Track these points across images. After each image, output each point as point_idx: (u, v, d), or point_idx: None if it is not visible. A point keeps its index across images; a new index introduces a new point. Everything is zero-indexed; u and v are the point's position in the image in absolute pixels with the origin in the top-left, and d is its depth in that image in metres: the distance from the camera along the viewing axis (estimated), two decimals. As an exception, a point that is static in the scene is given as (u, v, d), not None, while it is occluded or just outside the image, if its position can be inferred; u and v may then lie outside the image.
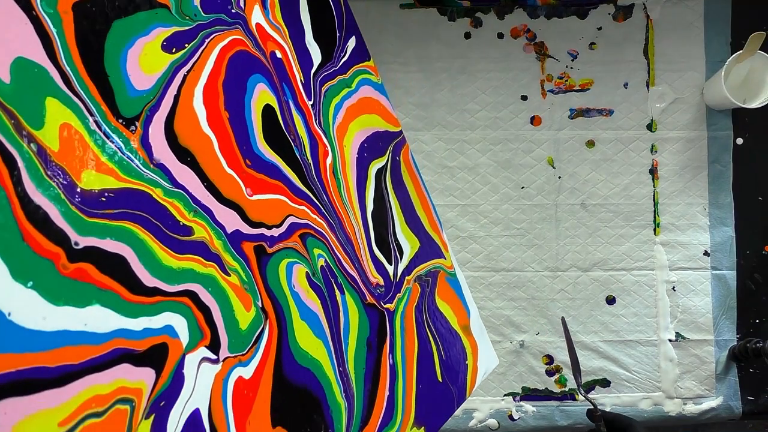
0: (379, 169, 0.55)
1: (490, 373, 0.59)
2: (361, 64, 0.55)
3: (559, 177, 0.82)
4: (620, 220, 0.82)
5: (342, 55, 0.53)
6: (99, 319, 0.30)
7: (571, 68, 0.82)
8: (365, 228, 0.51)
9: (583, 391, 0.61)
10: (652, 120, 0.82)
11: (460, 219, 0.82)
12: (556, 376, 0.82)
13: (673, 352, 0.81)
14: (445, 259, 0.59)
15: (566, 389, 0.81)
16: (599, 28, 0.82)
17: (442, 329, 0.55)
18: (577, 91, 0.82)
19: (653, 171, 0.82)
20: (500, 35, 0.82)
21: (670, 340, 0.81)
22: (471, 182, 0.82)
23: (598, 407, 0.59)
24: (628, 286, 0.82)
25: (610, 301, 0.82)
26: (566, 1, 0.81)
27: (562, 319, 0.69)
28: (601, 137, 0.82)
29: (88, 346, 0.29)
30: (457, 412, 0.81)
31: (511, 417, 0.80)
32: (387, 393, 0.48)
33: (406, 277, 0.54)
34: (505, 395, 0.81)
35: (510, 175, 0.82)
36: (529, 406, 0.80)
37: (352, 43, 0.55)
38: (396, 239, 0.54)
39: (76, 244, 0.29)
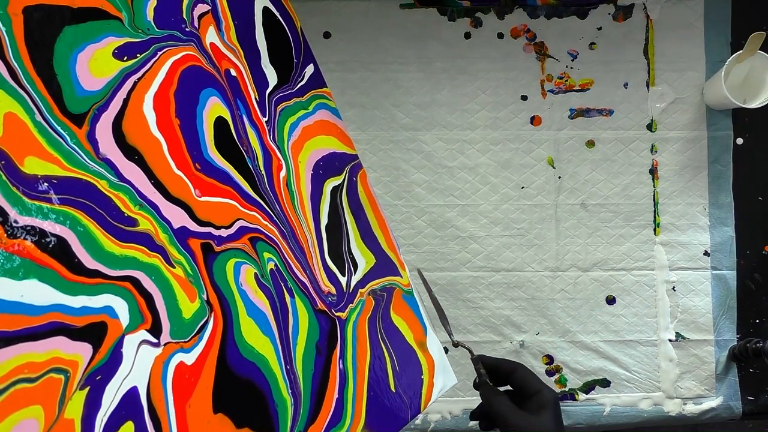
0: (334, 186, 0.55)
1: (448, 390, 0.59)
2: (319, 90, 0.57)
3: (559, 177, 0.82)
4: (620, 220, 0.82)
5: (299, 79, 0.54)
6: (36, 292, 0.31)
7: (571, 68, 0.82)
8: (318, 239, 0.52)
9: (454, 339, 0.57)
10: (652, 120, 0.82)
11: (460, 219, 0.82)
12: (556, 376, 0.82)
13: (673, 352, 0.81)
14: (401, 277, 0.59)
15: (566, 389, 0.81)
16: (599, 28, 0.82)
17: (396, 342, 0.55)
18: (577, 91, 0.82)
19: (653, 171, 0.82)
20: (500, 35, 0.82)
21: (670, 340, 0.81)
22: (471, 182, 0.82)
23: (474, 352, 0.54)
24: (628, 286, 0.82)
25: (610, 301, 0.82)
26: (566, 1, 0.81)
27: (418, 270, 0.65)
28: (601, 137, 0.82)
29: (24, 316, 0.30)
30: (457, 411, 0.81)
31: (511, 417, 0.80)
32: (336, 396, 0.48)
33: (360, 290, 0.55)
34: (505, 395, 0.81)
35: (510, 175, 0.82)
36: (529, 406, 0.81)
37: (310, 69, 0.56)
38: (350, 253, 0.55)
39: (16, 222, 0.30)
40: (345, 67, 0.82)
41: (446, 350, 0.79)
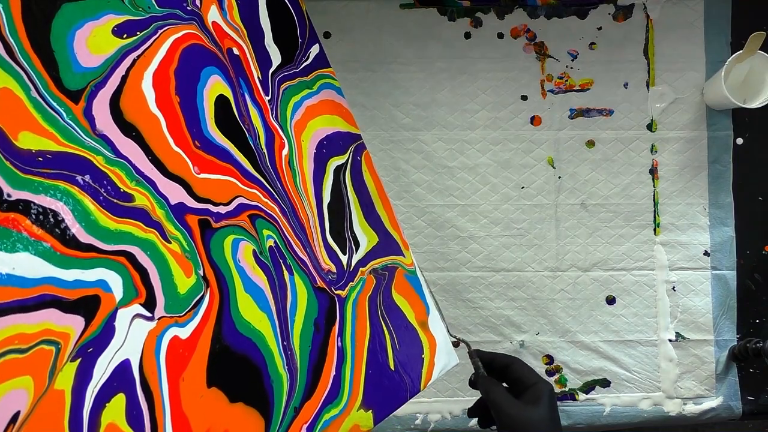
0: (338, 165, 0.55)
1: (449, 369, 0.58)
2: (324, 70, 0.56)
3: (559, 177, 0.82)
4: (620, 220, 0.82)
5: (304, 59, 0.54)
6: (28, 265, 0.31)
7: (571, 68, 0.82)
8: (320, 217, 0.52)
9: (452, 335, 0.56)
10: (652, 120, 0.82)
11: (460, 219, 0.82)
12: (556, 376, 0.82)
13: (673, 352, 0.81)
14: (404, 257, 0.59)
15: (566, 389, 0.81)
16: (599, 28, 0.82)
17: (397, 321, 0.55)
18: (577, 91, 0.82)
19: (653, 171, 0.82)
20: (500, 35, 0.82)
21: (670, 340, 0.81)
22: (471, 182, 0.82)
23: (471, 345, 0.54)
24: (628, 286, 0.82)
25: (610, 301, 0.82)
26: (566, 1, 0.81)
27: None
28: (601, 137, 0.82)
29: (15, 288, 0.30)
30: (457, 411, 0.81)
31: (511, 417, 0.80)
32: (333, 372, 0.48)
33: (361, 269, 0.54)
34: (505, 395, 0.81)
35: (510, 175, 0.82)
36: (529, 406, 0.80)
37: (315, 50, 0.55)
38: (353, 232, 0.55)
39: (9, 195, 0.30)
40: (345, 67, 0.82)
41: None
